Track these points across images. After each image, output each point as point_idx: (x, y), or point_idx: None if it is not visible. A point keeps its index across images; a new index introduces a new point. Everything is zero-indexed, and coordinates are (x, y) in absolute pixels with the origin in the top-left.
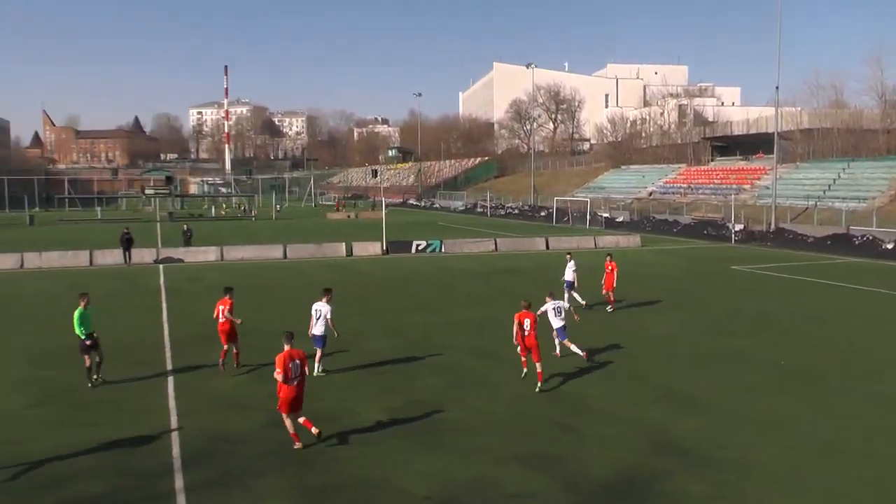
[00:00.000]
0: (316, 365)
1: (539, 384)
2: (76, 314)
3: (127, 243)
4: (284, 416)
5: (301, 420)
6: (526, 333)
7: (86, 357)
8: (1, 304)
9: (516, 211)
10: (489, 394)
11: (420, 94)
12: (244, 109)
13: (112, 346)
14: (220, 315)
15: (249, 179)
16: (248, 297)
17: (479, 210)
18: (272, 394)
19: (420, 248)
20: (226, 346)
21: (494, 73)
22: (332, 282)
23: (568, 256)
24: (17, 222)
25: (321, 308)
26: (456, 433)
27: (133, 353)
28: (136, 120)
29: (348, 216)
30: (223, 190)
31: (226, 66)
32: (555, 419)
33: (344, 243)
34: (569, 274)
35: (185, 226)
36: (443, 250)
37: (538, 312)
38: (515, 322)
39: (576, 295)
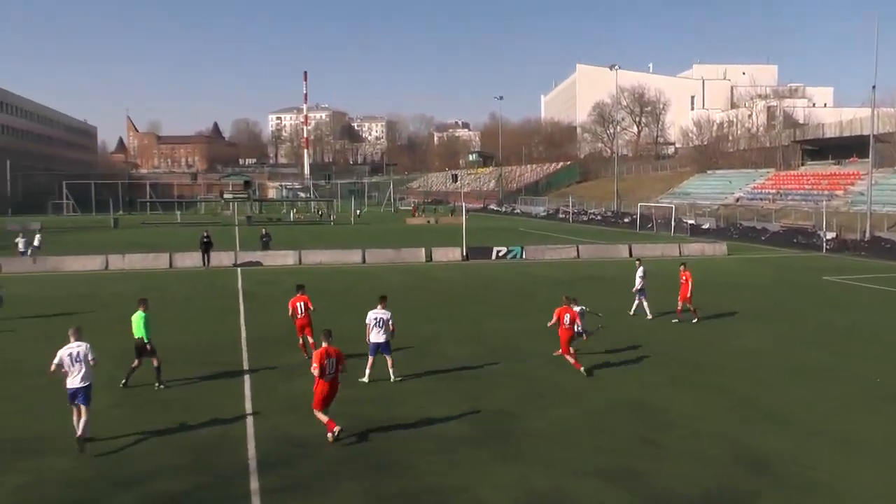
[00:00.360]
0: (391, 371)
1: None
2: (141, 318)
3: (206, 246)
4: (318, 412)
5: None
6: (566, 327)
7: (137, 360)
8: (86, 304)
9: (599, 217)
10: (569, 404)
11: (501, 98)
12: (323, 114)
13: (189, 347)
14: (300, 311)
15: (328, 184)
16: (325, 300)
17: (560, 216)
18: (349, 399)
19: (500, 254)
20: (301, 339)
21: (577, 75)
22: (410, 287)
23: (637, 262)
24: (102, 225)
25: (382, 315)
26: (535, 443)
27: (210, 354)
28: (216, 126)
29: (428, 221)
30: (302, 194)
31: (305, 72)
32: (636, 432)
33: (423, 249)
34: (638, 281)
35: (263, 230)
36: (524, 257)
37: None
38: (555, 317)
39: (645, 304)
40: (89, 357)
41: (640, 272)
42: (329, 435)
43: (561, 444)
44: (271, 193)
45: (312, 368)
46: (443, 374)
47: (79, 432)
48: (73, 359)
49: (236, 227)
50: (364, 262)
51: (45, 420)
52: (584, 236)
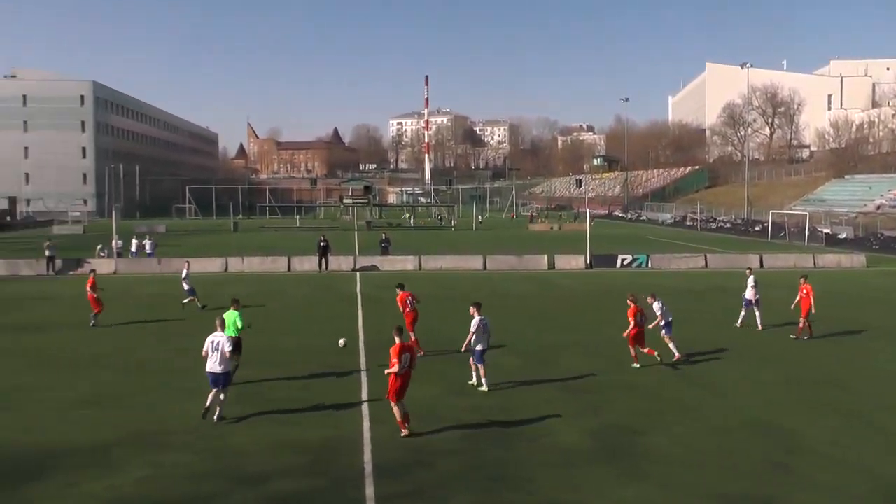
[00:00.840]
0: (483, 381)
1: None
2: (235, 316)
3: (323, 250)
4: (394, 403)
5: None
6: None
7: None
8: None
9: (728, 225)
10: (693, 422)
11: (627, 100)
12: (445, 119)
13: (307, 350)
14: (409, 305)
15: (449, 189)
16: (444, 307)
17: (688, 223)
18: (467, 407)
19: (625, 262)
20: (413, 334)
21: (706, 75)
22: (530, 295)
23: (748, 271)
24: (222, 228)
25: (485, 321)
26: (657, 462)
27: (328, 358)
28: (336, 131)
29: (551, 228)
30: (422, 199)
31: (426, 76)
32: (765, 456)
33: (546, 256)
34: (749, 291)
35: (382, 234)
36: (649, 265)
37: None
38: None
39: (758, 315)
40: (225, 347)
41: (750, 282)
42: (403, 432)
43: (684, 465)
44: (392, 198)
45: (391, 364)
46: (561, 384)
47: (205, 405)
48: (212, 346)
49: (355, 232)
50: (485, 268)
51: (167, 415)
52: (712, 245)
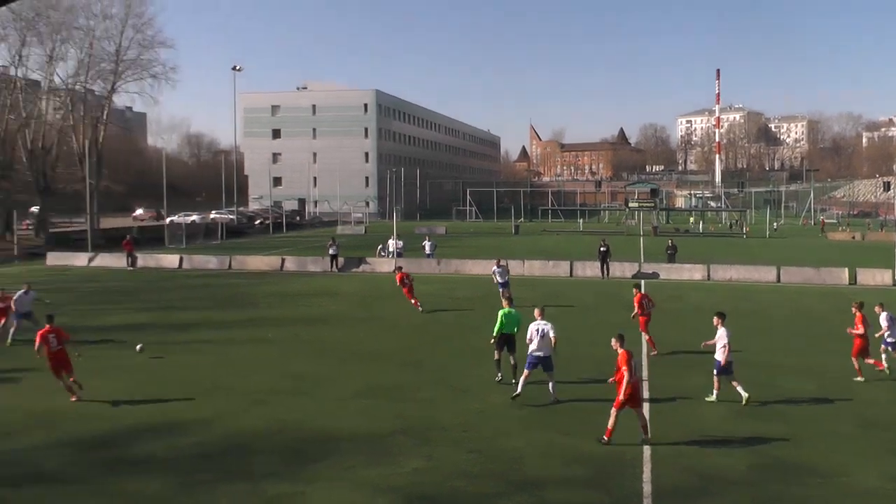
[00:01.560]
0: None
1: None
2: (504, 314)
3: (603, 256)
4: (615, 411)
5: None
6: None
7: (496, 352)
8: (476, 305)
9: None
10: None
11: None
12: (737, 116)
13: (584, 358)
14: (644, 307)
15: (741, 192)
16: (734, 322)
17: None
18: (747, 431)
19: None
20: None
21: None
22: (825, 313)
23: (879, 308)
24: (503, 231)
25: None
26: None
27: (606, 368)
28: (621, 131)
29: (853, 237)
30: (712, 204)
31: (717, 70)
32: None
33: (846, 269)
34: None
35: (669, 241)
36: None
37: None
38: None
39: None
40: (550, 334)
41: (883, 319)
42: (604, 438)
43: None
44: (679, 203)
45: (622, 371)
46: (859, 416)
47: (516, 391)
48: (538, 332)
49: (640, 238)
50: (778, 280)
51: (443, 412)
52: None
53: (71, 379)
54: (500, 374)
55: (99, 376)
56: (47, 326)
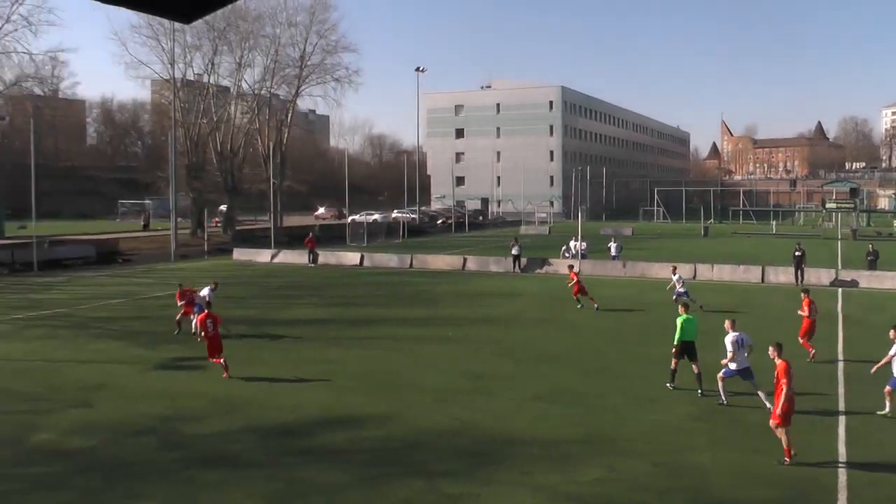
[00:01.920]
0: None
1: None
2: (684, 321)
3: (798, 261)
4: (782, 429)
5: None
6: None
7: (673, 360)
8: (641, 306)
9: None
10: None
11: None
12: None
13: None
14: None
15: None
16: None
17: None
18: None
19: None
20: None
21: None
22: None
23: None
24: (691, 233)
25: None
26: None
27: (800, 383)
28: (819, 126)
29: None
30: None
31: None
32: None
33: None
34: None
35: (870, 246)
36: None
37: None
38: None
39: None
40: (747, 343)
41: None
42: (785, 459)
43: None
44: (882, 203)
45: (779, 387)
46: None
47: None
48: (737, 345)
49: (838, 242)
50: None
51: (627, 421)
52: None
53: (222, 360)
54: (671, 384)
55: (282, 367)
56: (206, 312)
